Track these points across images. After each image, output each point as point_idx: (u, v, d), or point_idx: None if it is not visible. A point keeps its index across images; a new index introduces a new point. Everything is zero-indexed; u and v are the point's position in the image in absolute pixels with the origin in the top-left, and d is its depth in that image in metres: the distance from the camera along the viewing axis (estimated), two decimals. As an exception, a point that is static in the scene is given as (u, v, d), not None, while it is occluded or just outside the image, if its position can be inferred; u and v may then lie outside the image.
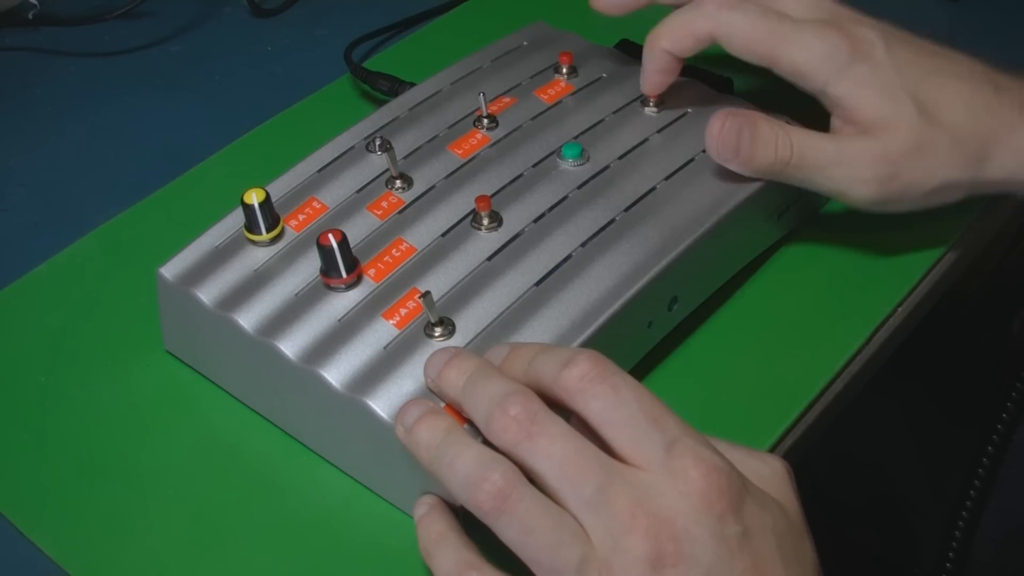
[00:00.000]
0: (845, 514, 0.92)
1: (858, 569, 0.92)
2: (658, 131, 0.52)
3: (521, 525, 0.34)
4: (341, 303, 0.44)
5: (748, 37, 0.48)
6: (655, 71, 0.51)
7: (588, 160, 0.50)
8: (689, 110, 0.54)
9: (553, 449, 0.34)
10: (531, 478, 0.35)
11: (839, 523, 0.92)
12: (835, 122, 0.49)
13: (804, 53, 0.47)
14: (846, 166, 0.48)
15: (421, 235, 0.47)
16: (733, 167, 0.49)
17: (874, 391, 0.54)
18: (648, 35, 0.51)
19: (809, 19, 0.48)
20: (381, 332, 0.43)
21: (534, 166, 0.50)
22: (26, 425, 0.47)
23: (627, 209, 0.48)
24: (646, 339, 0.47)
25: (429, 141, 0.52)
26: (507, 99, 0.54)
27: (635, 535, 0.32)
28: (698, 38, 0.49)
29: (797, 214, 0.54)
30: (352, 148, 0.51)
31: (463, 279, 0.45)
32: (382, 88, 0.62)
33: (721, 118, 0.48)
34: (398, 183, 0.49)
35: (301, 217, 0.48)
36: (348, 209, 0.48)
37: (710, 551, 0.33)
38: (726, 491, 0.33)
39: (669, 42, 0.50)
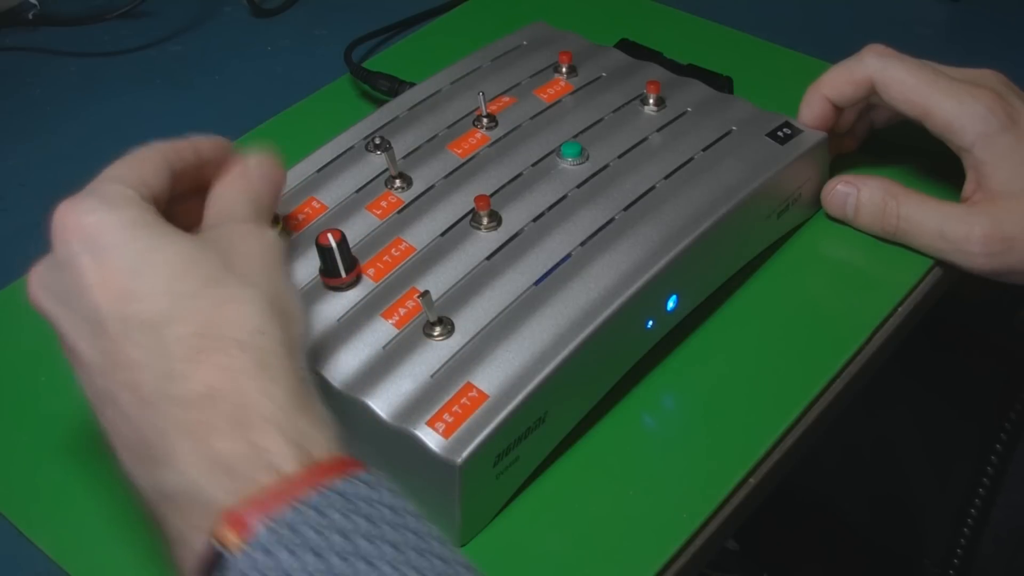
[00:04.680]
0: (856, 507, 0.92)
1: (868, 562, 0.92)
2: (658, 130, 0.52)
3: None
4: (340, 303, 0.44)
5: (906, 86, 0.50)
6: (812, 117, 0.53)
7: (587, 159, 0.50)
8: (689, 109, 0.54)
9: None
10: None
11: (849, 516, 0.93)
12: (968, 185, 0.51)
13: (958, 109, 0.49)
14: (949, 241, 0.50)
15: (420, 235, 0.47)
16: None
17: (883, 387, 0.54)
18: (810, 85, 0.53)
19: (968, 81, 0.50)
20: (380, 332, 0.43)
21: (533, 165, 0.50)
22: (25, 425, 0.47)
23: (627, 208, 0.48)
24: (646, 338, 0.47)
25: (428, 141, 0.52)
26: (507, 98, 0.54)
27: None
28: (857, 84, 0.51)
29: (797, 213, 0.54)
30: (352, 148, 0.51)
31: (462, 278, 0.45)
32: (382, 88, 0.62)
33: (833, 184, 0.53)
34: (397, 183, 0.49)
35: (300, 217, 0.48)
36: (347, 209, 0.48)
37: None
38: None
39: (829, 89, 0.52)
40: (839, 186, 0.53)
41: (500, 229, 0.47)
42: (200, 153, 0.41)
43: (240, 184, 0.41)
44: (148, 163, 0.39)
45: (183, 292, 0.35)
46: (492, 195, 0.48)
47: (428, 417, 0.40)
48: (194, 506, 0.32)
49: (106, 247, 0.35)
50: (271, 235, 0.39)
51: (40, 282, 0.37)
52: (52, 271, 0.37)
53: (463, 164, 0.50)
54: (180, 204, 0.40)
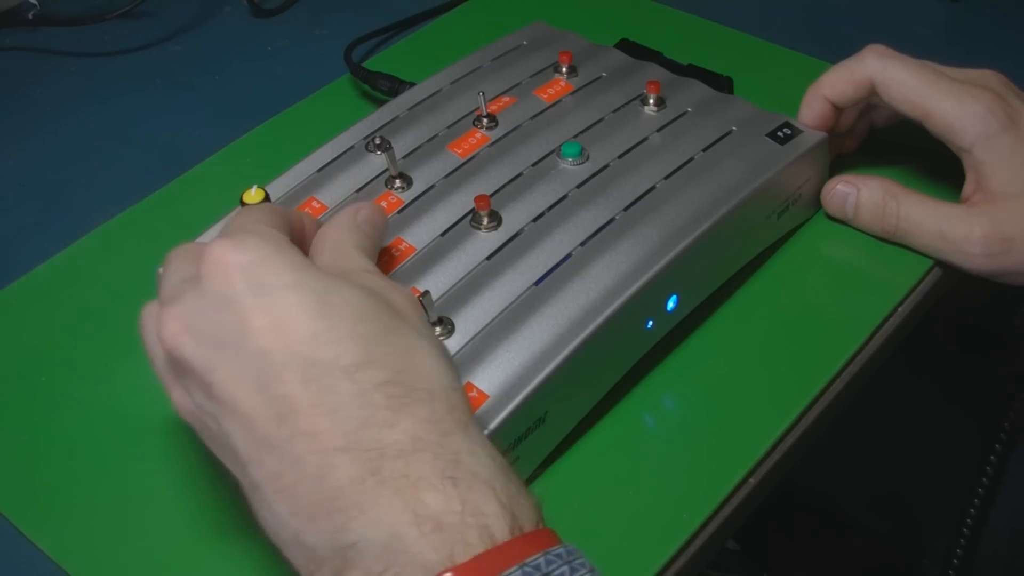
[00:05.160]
0: (856, 507, 0.92)
1: (868, 561, 0.92)
2: (658, 130, 0.52)
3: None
4: (340, 303, 0.44)
5: (906, 87, 0.50)
6: (812, 117, 0.53)
7: (588, 159, 0.50)
8: (689, 109, 0.54)
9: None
10: None
11: (850, 516, 0.93)
12: (968, 185, 0.51)
13: (958, 110, 0.49)
14: (948, 241, 0.50)
15: (420, 235, 0.47)
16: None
17: (885, 386, 0.54)
18: (810, 86, 0.53)
19: (968, 82, 0.50)
20: (380, 332, 0.43)
21: (533, 165, 0.50)
22: (25, 425, 0.47)
23: (627, 208, 0.48)
24: (645, 338, 0.47)
25: (429, 141, 0.52)
26: (507, 98, 0.54)
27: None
28: (858, 84, 0.51)
29: (797, 214, 0.54)
30: (352, 148, 0.51)
31: (462, 279, 0.45)
32: (382, 88, 0.62)
33: (833, 183, 0.53)
34: (397, 183, 0.49)
35: (301, 217, 0.48)
36: (348, 209, 0.48)
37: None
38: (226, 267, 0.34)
39: (829, 89, 0.52)
40: (839, 186, 0.53)
41: (500, 229, 0.47)
42: (293, 223, 0.40)
43: (357, 234, 0.40)
44: (272, 214, 0.38)
45: (369, 336, 0.33)
46: (492, 195, 0.48)
47: (428, 417, 0.40)
48: (392, 558, 0.30)
49: (276, 287, 0.33)
50: (409, 293, 0.37)
51: (185, 323, 0.34)
52: (202, 311, 0.34)
53: (463, 164, 0.50)
54: None
